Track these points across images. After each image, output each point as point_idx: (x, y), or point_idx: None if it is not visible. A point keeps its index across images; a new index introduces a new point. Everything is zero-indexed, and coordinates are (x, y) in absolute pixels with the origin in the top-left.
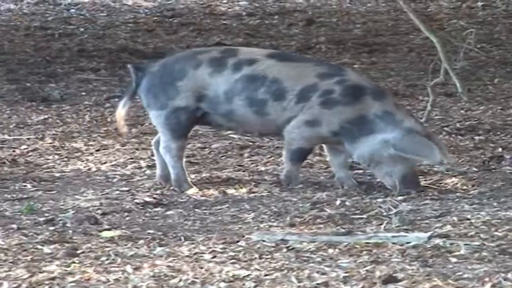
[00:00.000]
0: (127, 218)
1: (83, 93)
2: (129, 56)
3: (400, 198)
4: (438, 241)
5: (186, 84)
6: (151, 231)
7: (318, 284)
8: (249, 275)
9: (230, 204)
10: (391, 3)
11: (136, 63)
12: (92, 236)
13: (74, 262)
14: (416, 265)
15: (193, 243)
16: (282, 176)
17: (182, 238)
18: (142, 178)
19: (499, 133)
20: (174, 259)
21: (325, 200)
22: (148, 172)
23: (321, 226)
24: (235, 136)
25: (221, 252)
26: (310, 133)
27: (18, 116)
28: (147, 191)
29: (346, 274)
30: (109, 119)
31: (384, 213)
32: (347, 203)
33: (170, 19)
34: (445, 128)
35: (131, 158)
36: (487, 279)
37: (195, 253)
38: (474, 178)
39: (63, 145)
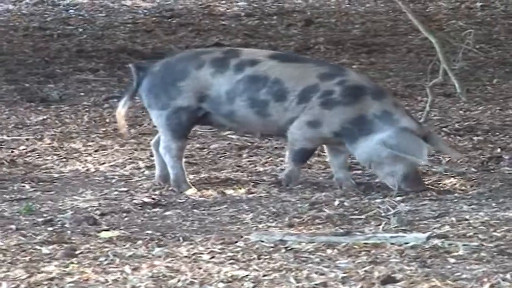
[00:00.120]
0: (126, 219)
1: (82, 94)
2: (128, 56)
3: (398, 198)
4: (436, 241)
5: (188, 84)
6: (149, 232)
7: (316, 284)
8: (247, 275)
9: (229, 205)
10: (390, 3)
11: (138, 62)
12: (91, 236)
13: (72, 263)
14: (414, 265)
15: (191, 244)
16: (282, 175)
17: (181, 238)
18: (141, 178)
19: (498, 133)
20: (172, 260)
21: (323, 200)
22: (146, 172)
23: (320, 226)
24: (233, 136)
25: (219, 253)
26: (312, 134)
27: (16, 116)
28: (145, 192)
29: (345, 275)
30: (107, 120)
31: (383, 214)
32: (345, 203)
33: (169, 20)
34: (444, 129)
35: (130, 159)
36: (485, 279)
37: (193, 254)
38: (473, 178)
39: (61, 146)
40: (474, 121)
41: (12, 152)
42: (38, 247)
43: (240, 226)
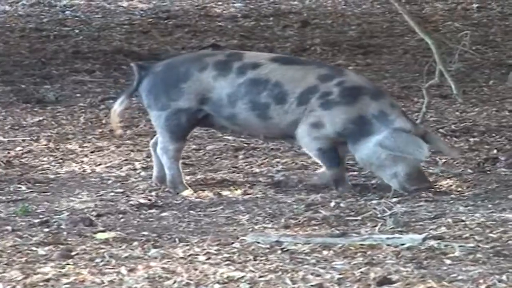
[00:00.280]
0: (122, 220)
1: (78, 95)
2: (124, 58)
3: (394, 200)
4: (432, 242)
5: (190, 86)
6: (145, 233)
7: (312, 285)
8: (243, 276)
9: (225, 206)
10: (386, 5)
11: (140, 62)
12: (87, 237)
13: (68, 264)
14: (410, 267)
15: (187, 245)
16: (330, 183)
17: (177, 239)
18: (137, 179)
19: (494, 134)
20: (168, 261)
21: (319, 201)
22: (143, 173)
23: (316, 227)
24: (229, 137)
25: (215, 254)
26: (317, 135)
27: (13, 117)
28: (141, 193)
29: (341, 276)
30: (104, 121)
31: (379, 215)
32: (341, 204)
33: (165, 21)
34: (440, 130)
35: (126, 160)
36: (481, 281)
37: (189, 255)
38: (469, 180)
39: (58, 147)
40: (470, 122)
41: (8, 153)
42: (34, 248)
43: (236, 227)
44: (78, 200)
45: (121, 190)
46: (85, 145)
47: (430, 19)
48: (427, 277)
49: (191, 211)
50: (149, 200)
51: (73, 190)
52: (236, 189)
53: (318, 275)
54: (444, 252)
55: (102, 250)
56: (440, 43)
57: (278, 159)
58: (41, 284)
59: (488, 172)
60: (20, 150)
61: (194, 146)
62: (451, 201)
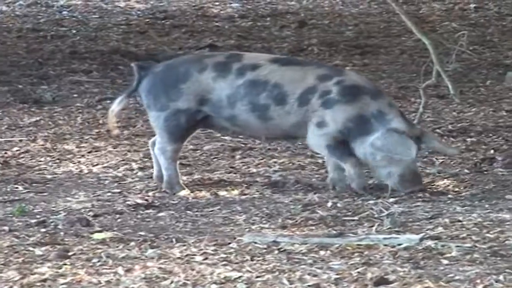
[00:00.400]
0: (119, 220)
1: (75, 95)
2: (121, 58)
3: (391, 200)
4: (429, 243)
5: (189, 87)
6: (142, 233)
7: (309, 286)
8: (240, 277)
9: (222, 206)
10: (383, 5)
11: (140, 62)
12: (84, 238)
13: (65, 264)
14: (407, 267)
15: (184, 245)
16: (348, 180)
17: (174, 240)
18: (134, 180)
19: (491, 135)
20: (165, 261)
21: (316, 202)
22: (139, 174)
23: (313, 228)
24: (226, 138)
25: (212, 254)
26: (323, 133)
27: (10, 118)
28: (138, 193)
29: (338, 276)
30: (101, 121)
31: (376, 215)
32: (338, 205)
33: (162, 21)
34: (437, 130)
35: (123, 160)
36: (478, 281)
37: (186, 255)
38: (466, 180)
39: (55, 147)
40: (467, 122)
41: (5, 153)
42: (31, 248)
43: (233, 228)
44: (75, 200)
45: (118, 190)
46: (82, 145)
47: (427, 19)
48: (424, 277)
49: (188, 211)
50: (146, 200)
51: (70, 190)
52: (233, 189)
53: (315, 275)
54: (441, 252)
55: (99, 250)
56: (437, 43)
57: (275, 159)
58: (38, 284)
59: (485, 172)
60: (17, 150)
61: (191, 147)
62: (448, 201)
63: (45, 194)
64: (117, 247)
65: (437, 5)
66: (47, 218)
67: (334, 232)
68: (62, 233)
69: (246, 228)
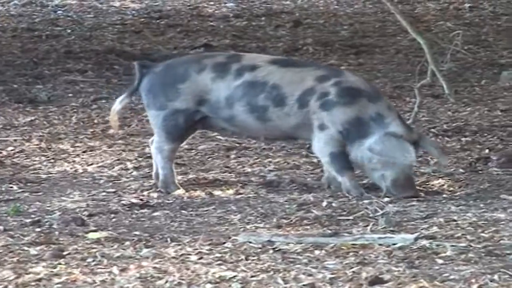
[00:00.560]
0: (114, 220)
1: (70, 95)
2: (116, 57)
3: (386, 199)
4: (424, 242)
5: (187, 87)
6: (137, 233)
7: (304, 285)
8: (235, 276)
9: (217, 206)
10: (378, 4)
11: (142, 61)
12: (79, 237)
13: (60, 264)
14: (402, 266)
15: (179, 245)
16: (343, 191)
17: (169, 239)
18: (129, 179)
19: (486, 134)
20: (160, 261)
21: (311, 201)
22: (134, 173)
23: (308, 227)
24: (221, 137)
25: (207, 254)
26: (325, 137)
27: (4, 117)
28: (133, 193)
29: (333, 276)
30: (96, 121)
31: (371, 215)
32: (333, 204)
33: (157, 21)
34: (432, 130)
35: (118, 160)
36: (473, 280)
37: (181, 255)
38: (461, 179)
39: (49, 147)
40: (462, 122)
41: (0, 153)
42: (26, 248)
43: (228, 227)
44: (70, 199)
45: (113, 190)
46: (77, 145)
47: (422, 18)
48: (419, 277)
49: (183, 211)
50: (141, 199)
51: (65, 190)
52: (228, 189)
53: (310, 275)
54: (436, 251)
55: (94, 250)
56: (432, 43)
57: (270, 159)
58: (33, 283)
59: (480, 172)
60: (12, 150)
61: (186, 146)
62: (443, 201)
63: (40, 193)
64: (112, 246)
65: (432, 4)
66: (42, 218)
67: (329, 231)
68: (57, 232)
69: (241, 227)
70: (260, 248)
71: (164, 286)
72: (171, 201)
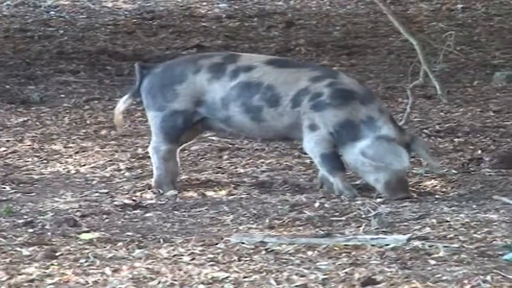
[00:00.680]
0: (106, 220)
1: (63, 95)
2: (109, 58)
3: (379, 200)
4: (417, 243)
5: (185, 88)
6: (130, 233)
7: (297, 286)
8: (228, 277)
9: (209, 206)
10: (370, 5)
11: (142, 62)
12: (71, 238)
13: (53, 264)
14: (395, 267)
15: (172, 245)
16: (336, 192)
17: (161, 240)
18: (121, 180)
19: (478, 135)
20: (153, 261)
21: (304, 202)
22: (127, 174)
23: (300, 228)
24: (214, 138)
25: (200, 254)
26: (316, 137)
27: None
28: (126, 193)
29: (325, 276)
30: (88, 122)
31: (363, 215)
32: (326, 205)
33: (150, 21)
34: (425, 130)
35: (110, 161)
36: (466, 281)
37: (174, 255)
38: (453, 180)
39: (42, 147)
40: (455, 122)
41: None
42: (18, 248)
43: (221, 228)
44: (63, 200)
45: (106, 191)
46: (69, 145)
47: (414, 19)
48: (411, 278)
49: (176, 212)
50: (134, 200)
51: (57, 191)
52: (220, 190)
53: (302, 276)
54: (429, 252)
55: (87, 251)
56: (424, 43)
57: (262, 160)
58: (26, 284)
59: (473, 173)
60: (4, 151)
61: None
62: (436, 202)
63: (32, 194)
64: (105, 247)
65: (424, 5)
66: (34, 219)
67: (322, 232)
68: (49, 233)
69: (234, 228)
70: (252, 249)
71: (157, 287)
72: (163, 202)
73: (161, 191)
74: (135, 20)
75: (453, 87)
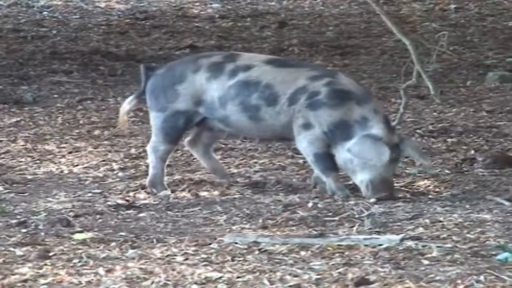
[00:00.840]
0: (100, 220)
1: (56, 96)
2: (102, 58)
3: (372, 200)
4: (410, 243)
5: (185, 88)
6: (123, 233)
7: (290, 286)
8: (221, 277)
9: (203, 206)
10: (363, 5)
11: (148, 64)
12: (64, 238)
13: (46, 265)
14: (388, 267)
15: (165, 245)
16: (328, 192)
17: (155, 240)
18: (115, 180)
19: (471, 135)
20: (146, 261)
21: (297, 202)
22: (120, 174)
23: (294, 228)
24: None
25: (193, 254)
26: (310, 136)
27: None
28: (119, 193)
29: (319, 276)
30: (81, 122)
31: (357, 215)
32: (319, 205)
33: (143, 22)
34: (418, 131)
35: (104, 161)
36: (459, 281)
37: (167, 255)
38: (447, 180)
39: (35, 147)
40: (448, 123)
41: None
42: (11, 249)
43: (214, 228)
44: (56, 200)
45: (99, 191)
46: (62, 145)
47: (407, 19)
48: (404, 278)
49: (169, 212)
50: (127, 200)
51: (50, 191)
52: (213, 190)
53: (296, 276)
54: (422, 252)
55: (80, 251)
56: (417, 43)
57: (255, 160)
58: (19, 284)
59: (466, 173)
60: None
61: None
62: (429, 202)
63: (25, 194)
64: (98, 247)
65: (417, 5)
66: (27, 219)
67: (315, 232)
68: (42, 233)
69: (227, 228)
70: (246, 249)
71: (150, 287)
72: (157, 202)
73: (154, 191)
74: (128, 20)
75: (446, 87)
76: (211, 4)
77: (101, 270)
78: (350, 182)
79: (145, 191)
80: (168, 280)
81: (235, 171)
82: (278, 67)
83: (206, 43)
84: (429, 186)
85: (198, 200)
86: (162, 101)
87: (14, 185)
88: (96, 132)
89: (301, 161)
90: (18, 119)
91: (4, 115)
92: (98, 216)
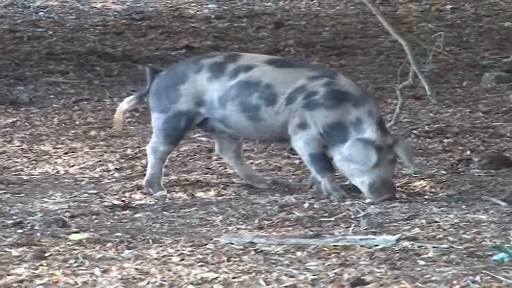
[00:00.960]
0: (95, 221)
1: (52, 96)
2: (98, 59)
3: (368, 201)
4: (406, 243)
5: (186, 88)
6: (119, 234)
7: (286, 286)
8: (217, 277)
9: (198, 207)
10: (360, 6)
11: (153, 66)
12: (60, 239)
13: (42, 265)
14: (384, 267)
15: (161, 246)
16: (324, 192)
17: (150, 240)
18: (110, 180)
19: (467, 135)
20: (142, 262)
21: (293, 202)
22: (116, 175)
23: (290, 228)
24: (203, 139)
25: (189, 255)
26: (306, 136)
27: None
28: (115, 194)
29: (315, 277)
30: (77, 122)
31: (353, 216)
32: (315, 205)
33: (139, 22)
34: (414, 131)
35: (100, 161)
36: (455, 281)
37: (163, 256)
38: (443, 180)
39: (31, 148)
40: (444, 123)
41: None
42: (7, 249)
43: (210, 228)
44: (52, 201)
45: (95, 191)
46: (58, 146)
47: (404, 20)
48: (400, 278)
49: (165, 212)
50: (123, 201)
51: (46, 191)
52: (209, 190)
53: (291, 276)
54: (418, 253)
55: (76, 251)
56: (413, 44)
57: (251, 160)
58: (15, 285)
59: (462, 173)
60: None
61: None
62: (425, 202)
63: (21, 195)
64: (94, 248)
65: (413, 6)
66: (23, 219)
67: (311, 233)
68: (38, 234)
69: (223, 229)
70: (242, 249)
71: (146, 287)
72: (153, 203)
73: (151, 191)
74: (124, 21)
75: (442, 88)
76: (207, 4)
77: (97, 271)
78: (346, 183)
79: (141, 192)
80: (164, 281)
81: (231, 171)
82: (279, 67)
83: (202, 44)
84: (425, 186)
85: (194, 201)
86: (164, 102)
87: (10, 185)
88: (92, 132)
89: (297, 161)
90: (14, 119)
91: (0, 115)
92: (94, 217)
